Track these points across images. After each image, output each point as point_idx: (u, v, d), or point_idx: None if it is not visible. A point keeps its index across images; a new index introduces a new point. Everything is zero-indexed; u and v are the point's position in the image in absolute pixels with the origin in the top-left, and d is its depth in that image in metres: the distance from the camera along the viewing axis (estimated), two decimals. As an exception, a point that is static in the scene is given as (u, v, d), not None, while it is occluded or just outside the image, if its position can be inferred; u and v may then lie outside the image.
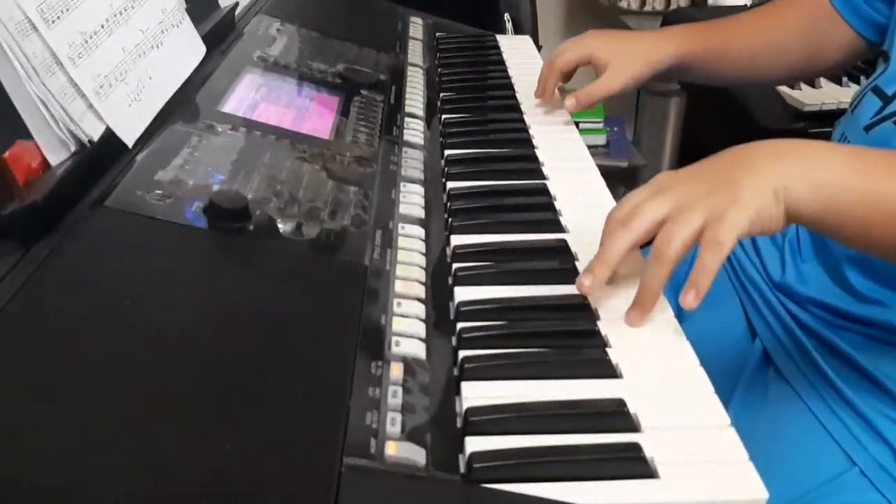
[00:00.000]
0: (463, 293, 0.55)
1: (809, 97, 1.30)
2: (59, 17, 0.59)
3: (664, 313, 0.53)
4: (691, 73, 0.91)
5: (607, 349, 0.50)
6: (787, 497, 0.60)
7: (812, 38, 0.86)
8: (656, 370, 0.48)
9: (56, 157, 0.56)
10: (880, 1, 0.79)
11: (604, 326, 0.52)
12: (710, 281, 0.49)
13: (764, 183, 0.51)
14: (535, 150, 0.81)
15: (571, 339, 0.51)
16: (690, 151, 1.90)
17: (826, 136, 0.81)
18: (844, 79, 1.35)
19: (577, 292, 0.55)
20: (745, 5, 1.67)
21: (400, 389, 0.43)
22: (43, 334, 0.41)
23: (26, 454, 0.34)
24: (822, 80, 1.36)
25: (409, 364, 0.46)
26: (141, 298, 0.45)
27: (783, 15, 0.89)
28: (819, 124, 1.24)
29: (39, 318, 0.42)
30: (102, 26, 0.64)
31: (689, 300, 0.50)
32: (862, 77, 1.32)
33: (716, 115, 1.30)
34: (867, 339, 0.68)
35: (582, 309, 0.54)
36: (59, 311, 0.43)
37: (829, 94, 1.32)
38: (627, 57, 0.85)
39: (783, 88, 1.35)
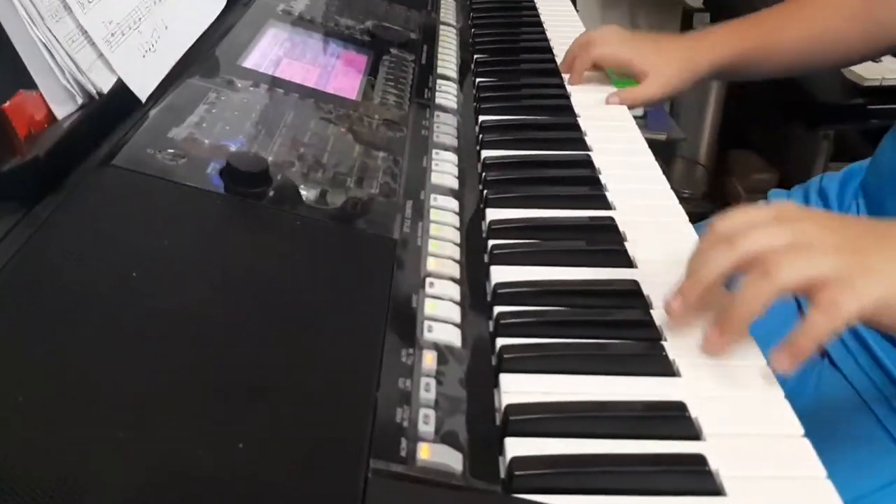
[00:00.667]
0: (500, 273, 0.51)
1: (869, 71, 1.22)
2: (68, -42, 0.54)
3: None
4: (739, 75, 0.86)
5: (663, 342, 0.45)
6: (843, 499, 0.55)
7: (870, 17, 0.79)
8: (718, 369, 0.43)
9: (62, 109, 0.51)
10: None
11: (658, 316, 0.47)
12: (814, 347, 0.41)
13: None
14: (577, 119, 0.76)
15: (622, 330, 0.46)
16: (732, 126, 1.82)
17: (887, 113, 0.75)
18: (907, 51, 1.27)
19: (626, 277, 0.50)
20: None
21: (433, 382, 0.38)
22: (40, 304, 0.37)
23: (17, 441, 0.30)
24: (884, 54, 1.28)
25: (443, 352, 0.41)
26: (148, 268, 0.40)
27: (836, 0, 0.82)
28: (880, 100, 1.16)
29: (38, 286, 0.38)
30: (115, -31, 0.58)
31: (783, 362, 0.41)
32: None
33: (762, 89, 1.23)
34: (936, 336, 0.63)
35: (633, 296, 0.48)
36: (59, 278, 0.39)
37: (890, 69, 1.23)
38: (668, 68, 0.80)
39: (841, 60, 1.27)
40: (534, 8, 1.09)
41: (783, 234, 0.43)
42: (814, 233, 0.44)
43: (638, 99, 0.81)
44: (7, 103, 0.47)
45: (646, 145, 0.72)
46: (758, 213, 0.45)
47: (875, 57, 1.23)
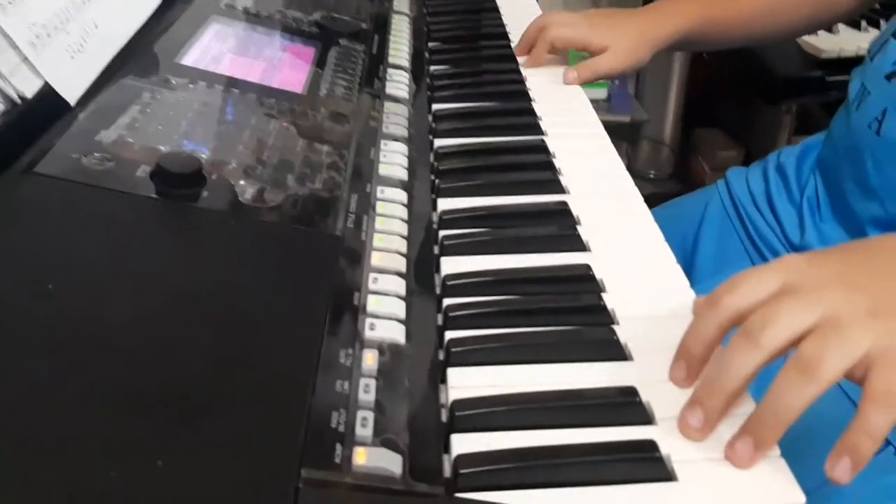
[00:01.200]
0: (451, 265, 0.49)
1: (827, 43, 1.22)
2: (-14, -42, 0.51)
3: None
4: (697, 45, 0.87)
5: (615, 327, 0.44)
6: (818, 481, 0.55)
7: None
8: (670, 352, 0.42)
9: (-18, 116, 0.49)
10: None
11: (610, 300, 0.46)
12: (876, 448, 0.35)
13: None
14: (532, 104, 0.74)
15: (573, 316, 0.45)
16: (696, 105, 1.82)
17: (846, 85, 0.74)
18: (863, 23, 1.27)
19: (579, 261, 0.49)
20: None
21: (373, 382, 0.37)
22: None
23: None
24: (840, 25, 1.28)
25: (386, 351, 0.39)
26: (71, 279, 0.38)
27: None
28: (837, 71, 1.16)
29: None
30: (38, -32, 0.56)
31: (843, 473, 0.35)
32: (882, 21, 1.24)
33: (724, 65, 1.22)
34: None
35: (585, 280, 0.47)
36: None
37: (847, 40, 1.23)
38: (627, 41, 0.80)
39: (798, 33, 1.27)
40: (490, -6, 1.07)
41: (809, 314, 0.36)
42: (841, 300, 0.37)
43: (597, 71, 0.80)
44: (-79, 112, 0.45)
45: (602, 128, 0.71)
46: (766, 282, 0.38)
47: (826, 25, 1.24)
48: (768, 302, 0.37)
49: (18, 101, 0.50)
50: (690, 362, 0.39)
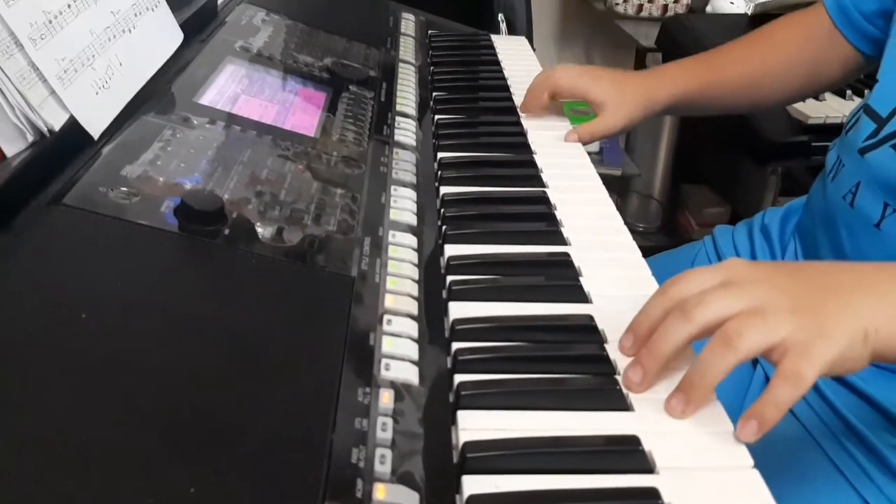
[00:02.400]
0: (458, 309, 0.51)
1: (813, 110, 1.27)
2: (20, -5, 0.53)
3: None
4: (690, 110, 0.90)
5: (616, 377, 0.45)
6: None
7: (812, 57, 0.83)
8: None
9: (11, 147, 0.50)
10: (880, 17, 0.77)
11: (612, 349, 0.48)
12: (780, 417, 0.42)
13: (855, 322, 0.44)
14: (534, 156, 0.77)
15: (577, 364, 0.47)
16: (685, 161, 1.86)
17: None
18: (848, 92, 1.32)
19: (581, 312, 0.51)
20: (745, 13, 1.64)
21: (390, 421, 0.38)
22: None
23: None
24: (826, 94, 1.33)
25: (400, 390, 0.41)
26: (99, 309, 0.39)
27: (779, 38, 0.86)
28: (823, 137, 1.21)
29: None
30: (69, 6, 0.58)
31: (749, 432, 0.41)
32: (867, 91, 1.29)
33: (712, 125, 1.27)
34: (879, 371, 0.64)
35: (588, 331, 0.49)
36: (6, 320, 0.38)
37: (833, 108, 1.28)
38: (625, 99, 0.83)
39: (786, 99, 1.32)
40: (491, 47, 1.11)
41: (738, 301, 0.44)
42: (767, 295, 0.44)
43: (596, 132, 0.83)
44: (-46, 141, 0.46)
45: (600, 182, 0.74)
46: (709, 277, 0.46)
47: (815, 95, 1.29)
48: (707, 290, 0.45)
49: (47, 133, 0.52)
50: (637, 336, 0.47)
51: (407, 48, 1.02)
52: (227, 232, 0.47)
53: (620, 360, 0.47)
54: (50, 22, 0.56)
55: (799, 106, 1.28)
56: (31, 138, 0.51)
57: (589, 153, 0.82)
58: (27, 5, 0.54)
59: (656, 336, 0.45)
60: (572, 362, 0.47)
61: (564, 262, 0.57)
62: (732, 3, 1.67)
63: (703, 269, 0.47)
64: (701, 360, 0.43)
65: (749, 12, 1.62)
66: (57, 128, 0.52)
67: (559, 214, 0.65)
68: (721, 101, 0.88)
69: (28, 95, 0.51)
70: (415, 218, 0.61)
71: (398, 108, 0.82)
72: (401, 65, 0.95)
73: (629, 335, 0.47)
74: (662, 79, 0.85)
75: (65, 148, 0.52)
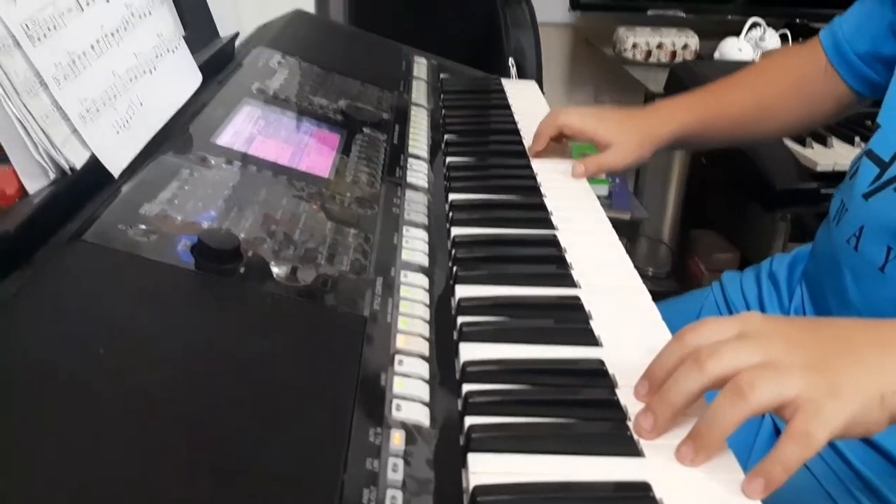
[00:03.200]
0: (469, 351, 0.51)
1: (822, 157, 1.28)
2: (45, 35, 0.55)
3: None
4: (692, 144, 0.93)
5: (627, 422, 0.45)
6: None
7: (807, 93, 0.86)
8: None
9: (34, 184, 0.51)
10: (881, 64, 0.78)
11: (622, 394, 0.48)
12: (787, 478, 0.41)
13: (871, 383, 0.43)
14: (544, 199, 0.78)
15: (588, 409, 0.47)
16: (695, 206, 1.87)
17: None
18: (857, 139, 1.33)
19: (592, 356, 0.51)
20: (753, 60, 1.67)
21: (401, 462, 0.38)
22: (8, 382, 0.36)
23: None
24: (834, 140, 1.34)
25: (412, 432, 0.41)
26: (117, 345, 0.40)
27: (776, 73, 0.89)
28: (832, 184, 1.22)
29: (3, 363, 0.37)
30: (92, 47, 0.60)
31: (756, 489, 0.41)
32: (872, 137, 1.30)
33: (721, 171, 1.28)
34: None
35: (599, 375, 0.49)
36: (26, 354, 0.38)
37: (841, 155, 1.30)
38: (630, 137, 0.85)
39: (794, 146, 1.34)
40: (502, 91, 1.13)
41: (751, 354, 0.43)
42: (781, 350, 0.44)
43: (602, 166, 0.85)
44: (-21, 177, 0.47)
45: (610, 226, 0.74)
46: (725, 328, 0.46)
47: (810, 129, 1.30)
48: (722, 341, 0.45)
49: (69, 171, 0.53)
50: (652, 383, 0.47)
51: (419, 91, 1.04)
52: (242, 270, 0.48)
53: (631, 406, 0.47)
54: (74, 62, 0.57)
55: (808, 153, 1.30)
56: (52, 175, 0.52)
57: (598, 197, 0.83)
58: (53, 46, 0.55)
59: (669, 384, 0.45)
60: (583, 407, 0.47)
61: (575, 306, 0.57)
62: (740, 49, 1.70)
63: (720, 320, 0.47)
64: (712, 411, 0.43)
65: (757, 60, 1.64)
66: (79, 166, 0.53)
67: (569, 257, 0.66)
68: (721, 135, 0.90)
69: (51, 134, 0.53)
70: (426, 258, 0.61)
71: (410, 150, 0.83)
72: (413, 108, 0.97)
73: (644, 382, 0.47)
74: (664, 116, 0.88)
75: (85, 185, 0.53)
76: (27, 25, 0.53)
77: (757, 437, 0.71)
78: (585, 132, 0.86)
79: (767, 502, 0.41)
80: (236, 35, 0.95)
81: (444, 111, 1.01)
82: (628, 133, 0.85)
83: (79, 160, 0.54)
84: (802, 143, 1.33)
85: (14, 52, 0.52)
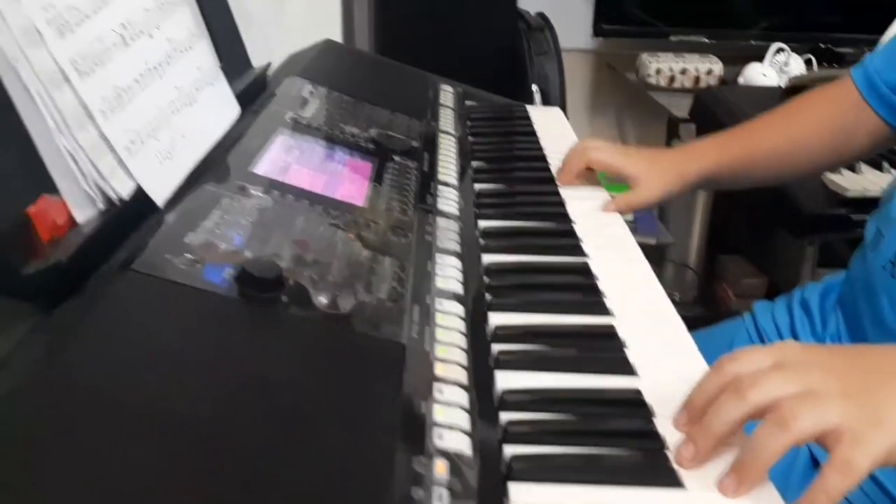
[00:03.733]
0: (505, 379, 0.51)
1: (851, 183, 1.28)
2: (92, 70, 0.57)
3: None
4: (722, 184, 0.93)
5: (666, 452, 0.45)
6: None
7: (840, 130, 0.85)
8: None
9: (83, 214, 0.53)
10: None
11: (661, 424, 0.48)
12: None
13: None
14: (573, 225, 0.78)
15: (627, 439, 0.47)
16: (721, 231, 1.87)
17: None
18: (885, 164, 1.33)
19: (628, 385, 0.51)
20: (778, 86, 1.67)
21: (446, 492, 0.38)
22: (62, 407, 0.37)
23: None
24: (863, 166, 1.34)
25: (454, 461, 0.41)
26: (166, 372, 0.41)
27: (808, 111, 0.88)
28: (862, 210, 1.21)
29: (59, 388, 0.38)
30: (137, 81, 0.62)
31: None
32: (903, 164, 1.30)
33: (748, 196, 1.28)
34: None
35: (637, 405, 0.49)
36: (80, 381, 0.39)
37: (870, 181, 1.29)
38: (659, 176, 0.85)
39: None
40: (527, 118, 1.14)
41: (791, 384, 0.44)
42: (819, 379, 0.44)
43: (631, 204, 0.85)
44: (31, 207, 0.49)
45: (640, 253, 0.75)
46: (763, 357, 0.46)
47: (843, 165, 1.30)
48: (761, 370, 0.45)
49: (117, 201, 0.54)
50: (692, 413, 0.47)
51: (446, 119, 1.06)
52: (284, 299, 0.49)
53: (669, 436, 0.47)
54: (119, 96, 0.59)
55: (837, 178, 1.29)
56: (101, 206, 0.54)
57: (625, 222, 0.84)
58: (100, 80, 0.57)
59: (710, 414, 0.45)
60: (622, 437, 0.47)
61: (609, 334, 0.57)
62: (765, 75, 1.70)
63: (757, 349, 0.47)
64: (755, 442, 0.43)
65: (783, 85, 1.64)
66: (125, 196, 0.55)
67: (601, 285, 0.66)
68: (752, 176, 0.89)
69: (99, 164, 0.54)
70: (460, 286, 0.62)
71: (440, 177, 0.84)
72: (441, 135, 0.98)
73: (684, 412, 0.48)
74: (694, 154, 0.88)
75: (131, 215, 0.54)
76: (76, 60, 0.55)
77: (793, 468, 0.70)
78: (614, 166, 0.86)
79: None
80: (268, 65, 0.97)
81: (471, 138, 1.02)
82: (657, 170, 0.85)
83: (125, 190, 0.55)
84: (831, 168, 1.33)
85: (64, 87, 0.54)
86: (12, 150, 0.48)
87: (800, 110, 0.89)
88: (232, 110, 0.75)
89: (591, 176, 0.90)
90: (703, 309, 1.73)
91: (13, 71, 0.50)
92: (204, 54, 0.72)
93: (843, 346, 0.52)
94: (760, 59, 1.74)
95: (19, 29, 0.51)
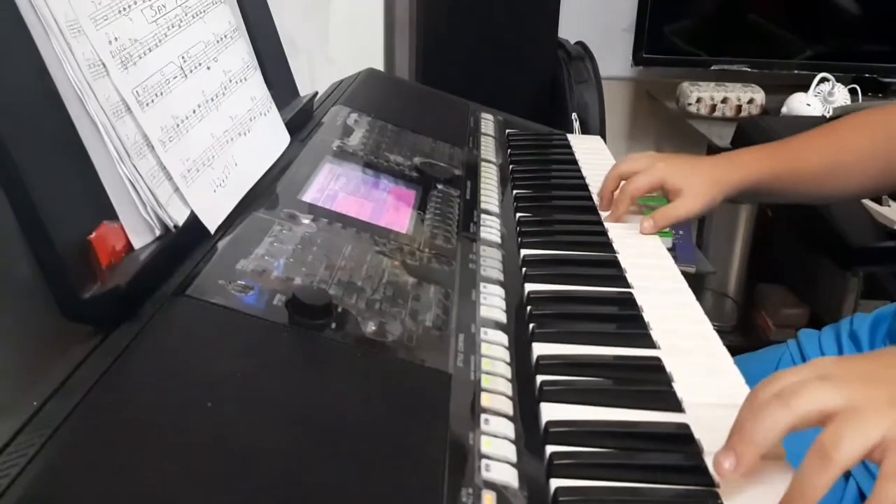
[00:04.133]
0: (550, 411, 0.51)
1: (899, 214, 1.26)
2: (153, 101, 0.59)
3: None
4: (763, 196, 0.91)
5: (717, 490, 0.45)
6: None
7: (887, 152, 0.84)
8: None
9: (140, 240, 0.54)
10: None
11: (710, 460, 0.47)
12: None
13: None
14: (617, 255, 0.78)
15: (675, 475, 0.46)
16: (762, 260, 1.84)
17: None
18: (932, 196, 1.31)
19: (675, 420, 0.51)
20: (823, 115, 1.65)
21: (494, 523, 0.38)
22: (120, 431, 0.38)
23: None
24: (910, 198, 1.32)
25: (501, 493, 0.41)
26: (217, 397, 0.42)
27: (856, 132, 0.87)
28: (909, 243, 1.20)
29: (119, 412, 0.39)
30: (194, 111, 0.64)
31: None
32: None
33: (790, 225, 1.26)
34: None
35: (685, 440, 0.49)
36: (139, 405, 0.40)
37: (918, 212, 1.28)
38: (701, 183, 0.83)
39: (869, 203, 1.32)
40: (568, 146, 1.14)
41: (835, 395, 0.43)
42: (862, 391, 0.43)
43: (670, 216, 0.83)
44: (93, 234, 0.51)
45: (685, 283, 0.74)
46: (802, 374, 0.46)
47: (889, 191, 1.27)
48: (804, 380, 0.44)
49: (172, 228, 0.56)
50: (755, 454, 0.44)
51: (488, 147, 1.06)
52: (333, 326, 0.50)
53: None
54: (177, 126, 0.61)
55: (885, 211, 1.27)
56: (157, 232, 0.55)
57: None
58: (159, 110, 0.59)
59: (753, 423, 0.44)
60: (670, 472, 0.47)
61: (656, 367, 0.57)
62: (809, 105, 1.68)
63: (794, 368, 0.47)
64: (800, 477, 0.42)
65: (827, 115, 1.62)
66: (181, 223, 0.56)
67: (646, 316, 0.66)
68: (794, 191, 0.88)
69: (157, 192, 0.56)
70: (504, 315, 0.62)
71: (482, 205, 0.85)
72: (483, 163, 0.99)
73: (732, 436, 0.45)
74: (737, 164, 0.86)
75: (186, 241, 0.56)
76: (137, 92, 0.57)
77: (842, 502, 0.69)
78: (654, 184, 0.84)
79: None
80: (315, 94, 0.99)
81: (512, 167, 1.02)
82: (699, 178, 0.83)
83: (181, 217, 0.57)
84: (879, 200, 1.31)
85: (125, 117, 0.56)
86: (77, 178, 0.50)
87: (847, 130, 0.88)
88: (282, 139, 0.77)
89: (634, 206, 0.90)
90: (742, 338, 1.70)
91: (79, 102, 0.52)
92: (257, 85, 0.74)
93: (880, 351, 0.51)
94: (805, 88, 1.73)
95: (85, 62, 0.53)
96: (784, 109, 1.73)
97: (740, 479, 0.44)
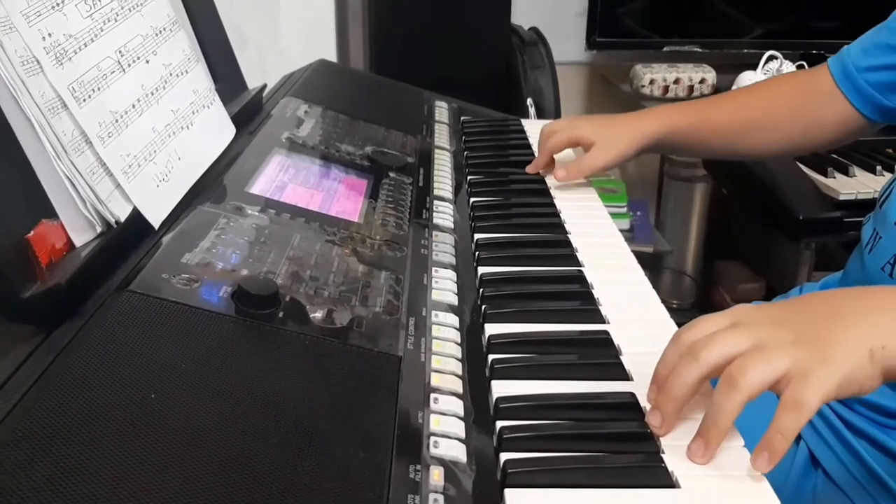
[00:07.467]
0: (501, 388, 0.52)
1: (844, 186, 1.29)
2: (90, 96, 0.58)
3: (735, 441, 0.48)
4: (678, 147, 0.96)
5: (661, 454, 0.46)
6: None
7: (808, 111, 0.87)
8: (717, 480, 0.44)
9: (81, 237, 0.54)
10: (888, 89, 0.79)
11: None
12: (788, 445, 0.44)
13: (858, 341, 0.45)
14: (568, 236, 0.79)
15: (622, 443, 0.47)
16: (718, 237, 1.87)
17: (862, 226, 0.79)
18: (878, 167, 1.34)
19: (623, 389, 0.52)
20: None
21: (441, 498, 0.39)
22: (62, 427, 0.38)
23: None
24: (857, 169, 1.35)
25: (450, 468, 0.42)
26: (164, 390, 0.41)
27: (776, 89, 0.91)
28: (855, 213, 1.22)
29: (61, 409, 0.39)
30: (133, 106, 0.63)
31: (762, 464, 0.44)
32: (897, 166, 1.31)
33: (743, 202, 1.29)
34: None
35: (631, 408, 0.50)
36: (81, 401, 0.40)
37: (863, 184, 1.31)
38: (613, 136, 0.89)
39: (816, 176, 1.34)
40: (522, 131, 1.15)
41: (743, 339, 0.46)
42: (771, 332, 0.46)
43: (584, 168, 0.89)
44: (31, 233, 0.50)
45: (635, 261, 0.75)
46: (717, 321, 0.49)
47: (807, 152, 1.31)
48: (715, 332, 0.47)
49: (114, 224, 0.55)
50: (658, 385, 0.49)
51: (441, 134, 1.07)
52: (280, 315, 0.50)
53: (664, 438, 0.48)
54: (116, 121, 0.60)
55: (830, 182, 1.30)
56: (99, 229, 0.55)
57: (620, 231, 0.84)
58: (97, 105, 0.58)
59: (670, 379, 0.47)
60: (617, 440, 0.48)
61: (604, 341, 0.58)
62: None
63: (713, 315, 0.50)
64: (712, 405, 0.45)
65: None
66: (122, 219, 0.56)
67: (596, 293, 0.67)
68: (706, 144, 0.92)
69: (97, 189, 0.55)
70: (456, 298, 0.63)
71: (436, 192, 0.86)
72: (436, 150, 1.00)
73: (653, 385, 0.50)
74: (651, 116, 0.91)
75: (128, 237, 0.55)
76: (73, 88, 0.57)
77: (792, 467, 0.71)
78: (571, 140, 0.90)
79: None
80: (264, 86, 0.98)
81: (466, 153, 1.03)
82: (610, 131, 0.89)
83: (122, 213, 0.57)
84: (824, 172, 1.34)
85: (62, 114, 0.55)
86: (13, 176, 0.49)
87: (766, 91, 0.91)
88: (227, 132, 0.76)
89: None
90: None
91: (13, 99, 0.51)
92: (199, 78, 0.73)
93: (794, 298, 0.55)
94: (754, 67, 1.76)
95: (18, 59, 0.52)
96: (734, 88, 1.75)
97: (668, 429, 0.47)
